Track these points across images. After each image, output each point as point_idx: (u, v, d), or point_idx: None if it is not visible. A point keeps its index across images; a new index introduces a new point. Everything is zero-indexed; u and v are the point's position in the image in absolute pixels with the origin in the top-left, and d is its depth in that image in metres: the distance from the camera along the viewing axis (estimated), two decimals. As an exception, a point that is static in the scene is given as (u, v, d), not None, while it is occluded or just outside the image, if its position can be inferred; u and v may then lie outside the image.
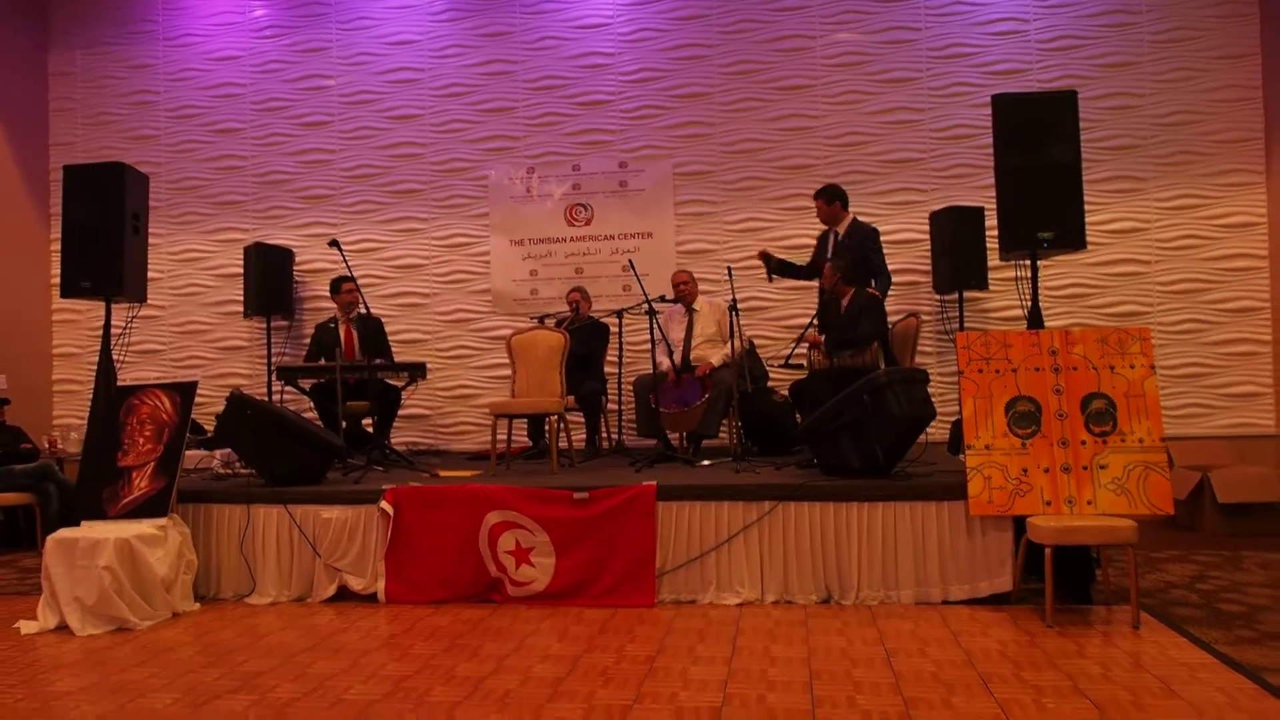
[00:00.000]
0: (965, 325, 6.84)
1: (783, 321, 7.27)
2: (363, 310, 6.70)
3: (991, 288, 6.80)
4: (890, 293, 6.33)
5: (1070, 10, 7.13)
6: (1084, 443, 4.39)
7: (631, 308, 6.66)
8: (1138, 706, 3.06)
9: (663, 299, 6.57)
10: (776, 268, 6.37)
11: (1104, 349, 4.53)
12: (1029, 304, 5.07)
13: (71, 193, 5.56)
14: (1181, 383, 6.88)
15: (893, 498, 4.54)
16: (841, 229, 6.21)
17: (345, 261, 6.35)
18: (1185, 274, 6.94)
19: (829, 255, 6.12)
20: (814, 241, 7.34)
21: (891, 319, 6.05)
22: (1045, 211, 4.89)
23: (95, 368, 5.67)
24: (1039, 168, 4.91)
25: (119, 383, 5.54)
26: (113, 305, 5.70)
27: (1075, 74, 7.03)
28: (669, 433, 6.28)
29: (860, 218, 7.31)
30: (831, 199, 6.22)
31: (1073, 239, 4.94)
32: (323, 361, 6.60)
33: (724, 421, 6.17)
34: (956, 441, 5.84)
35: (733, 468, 5.36)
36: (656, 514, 4.67)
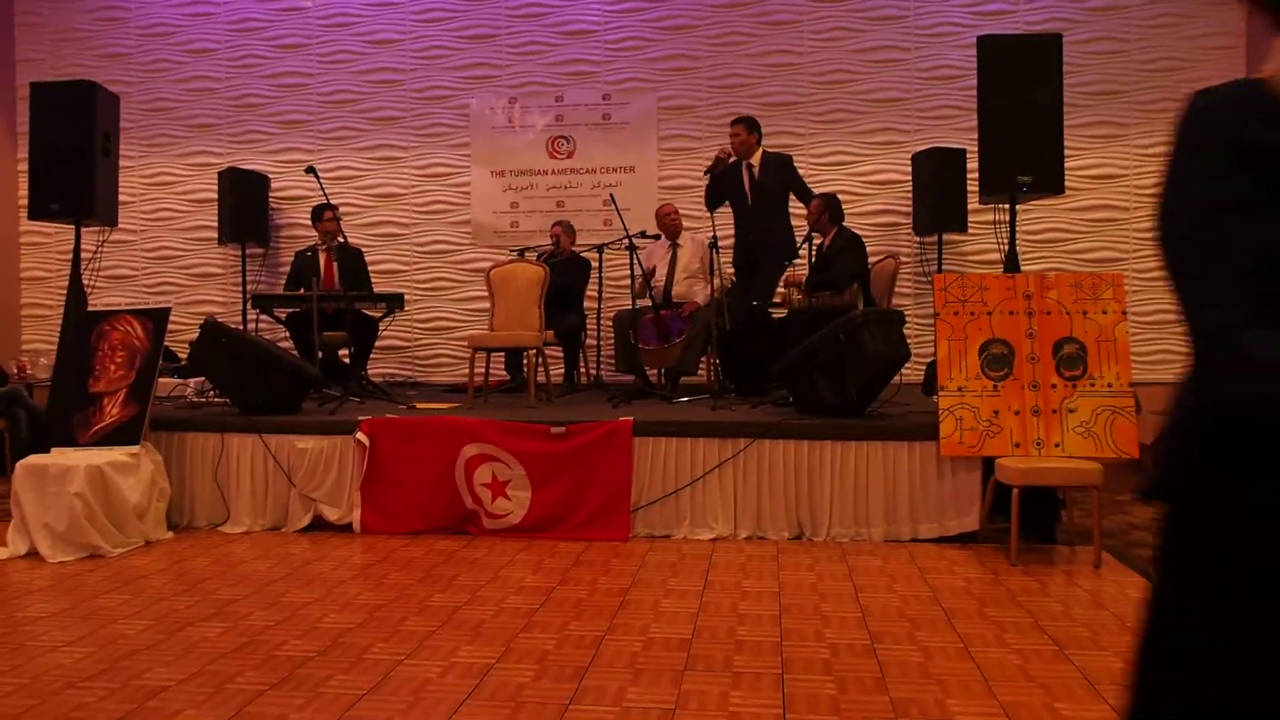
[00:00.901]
0: (944, 268, 6.85)
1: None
2: (341, 240, 6.62)
3: (971, 230, 6.80)
4: (871, 233, 6.33)
5: (1061, -50, 7.02)
6: (1054, 386, 4.45)
7: (612, 242, 6.62)
8: (1095, 643, 3.16)
9: (644, 234, 6.53)
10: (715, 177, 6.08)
11: (1078, 294, 4.56)
12: (1006, 248, 5.09)
13: (40, 112, 5.42)
14: (1153, 329, 6.95)
15: (866, 437, 4.60)
16: (756, 160, 6.03)
17: (323, 189, 6.24)
18: (1163, 222, 6.94)
19: (746, 187, 6.00)
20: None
21: (871, 259, 6.05)
22: (1025, 155, 4.90)
23: (65, 292, 5.58)
24: (1021, 111, 4.90)
25: (89, 308, 5.46)
26: (83, 228, 5.60)
27: (1062, 16, 6.94)
28: (647, 369, 6.29)
29: (843, 156, 7.26)
30: (752, 128, 6.04)
31: (1052, 184, 4.95)
32: (301, 290, 6.53)
33: (702, 359, 6.19)
34: (930, 383, 5.90)
35: (709, 404, 5.40)
36: (633, 449, 4.70)
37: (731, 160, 5.96)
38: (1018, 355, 4.51)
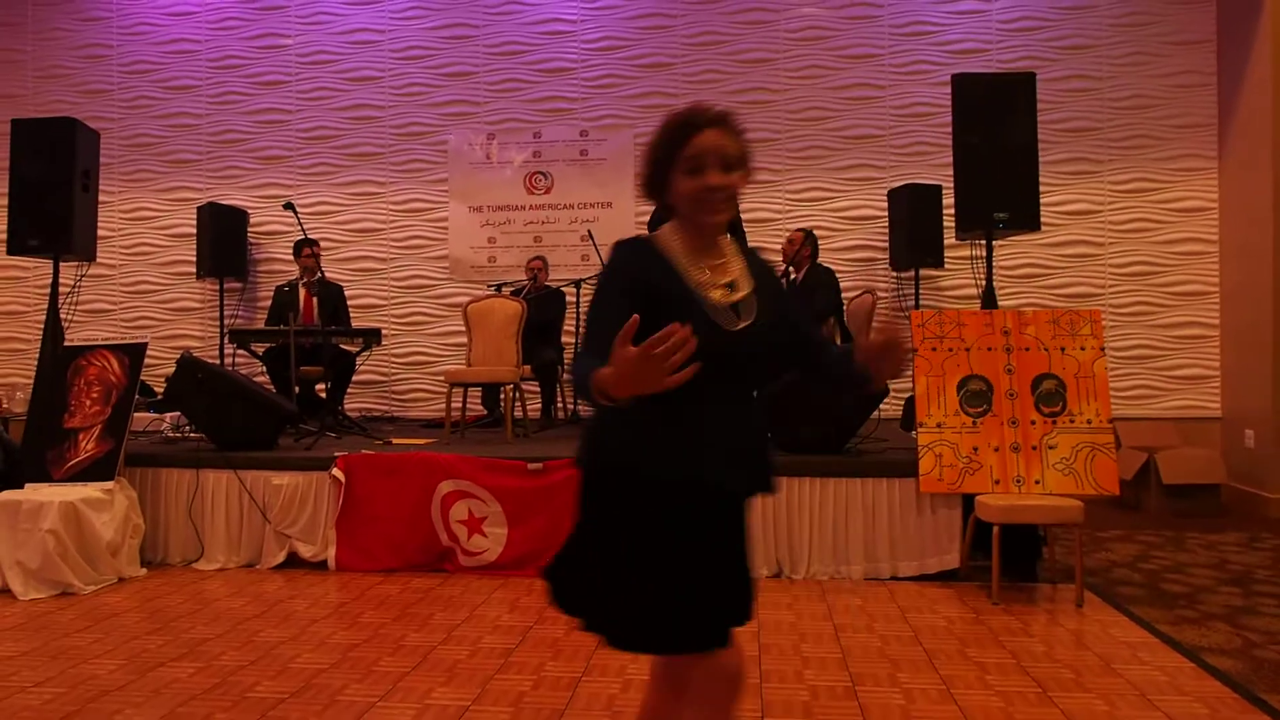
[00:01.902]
0: (920, 303, 6.90)
1: (742, 295, 7.28)
2: (321, 275, 6.61)
3: (947, 266, 6.86)
4: (847, 269, 6.37)
5: (1033, -9, 7.17)
6: (1034, 423, 4.47)
7: (590, 278, 6.63)
8: (1079, 685, 3.14)
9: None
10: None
11: (1055, 330, 4.60)
12: (984, 284, 5.13)
13: (20, 148, 5.41)
14: (1131, 364, 7.01)
15: (844, 474, 4.59)
16: None
17: (300, 224, 6.23)
18: (1137, 257, 7.05)
19: None
20: (774, 215, 7.37)
21: (847, 295, 6.09)
22: (1001, 192, 4.95)
23: (42, 326, 5.53)
24: (997, 148, 4.96)
25: (66, 342, 5.42)
26: (61, 263, 5.57)
27: (1035, 55, 7.07)
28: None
29: (819, 193, 7.34)
30: None
31: (1028, 220, 5.01)
32: (279, 325, 6.49)
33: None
34: (909, 418, 5.92)
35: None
36: (611, 486, 4.67)
37: None
38: (996, 391, 4.53)
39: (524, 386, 6.11)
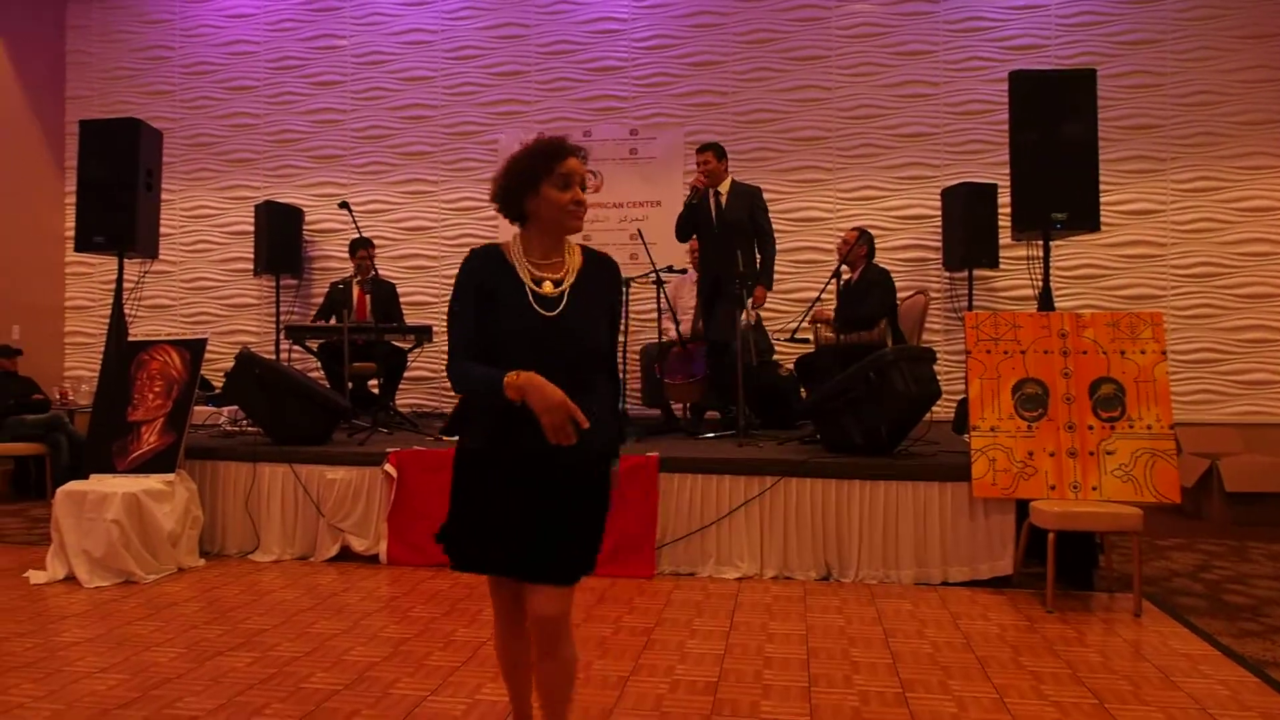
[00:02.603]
0: (974, 304, 6.80)
1: (790, 295, 7.24)
2: (374, 274, 6.71)
3: (1002, 266, 6.75)
4: (900, 269, 6.29)
5: (1094, -15, 7.01)
6: (1091, 428, 4.37)
7: (639, 277, 6.63)
8: (1138, 697, 3.07)
9: (670, 269, 6.54)
10: (688, 207, 5.81)
11: (1115, 333, 4.50)
12: (1040, 285, 5.03)
13: (87, 148, 5.57)
14: (1193, 368, 6.84)
15: (895, 477, 4.54)
16: (724, 189, 5.78)
17: (355, 223, 6.33)
18: (1201, 257, 6.87)
19: (713, 215, 5.74)
20: (825, 214, 7.31)
21: (900, 295, 6.01)
22: (1060, 191, 4.84)
23: (107, 321, 5.69)
24: (1055, 146, 4.85)
25: (130, 337, 5.56)
26: (125, 260, 5.72)
27: (1095, 51, 6.92)
28: (673, 403, 6.28)
29: (871, 191, 7.26)
30: (721, 155, 5.77)
31: (1087, 220, 4.89)
32: (332, 321, 6.60)
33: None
34: (961, 421, 5.84)
35: (735, 441, 5.36)
36: (659, 485, 4.68)
37: (701, 193, 5.72)
38: (1053, 395, 4.44)
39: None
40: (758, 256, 5.78)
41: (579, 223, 2.19)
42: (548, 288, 2.14)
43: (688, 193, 5.79)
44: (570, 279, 2.16)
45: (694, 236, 5.96)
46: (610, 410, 2.24)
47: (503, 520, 2.14)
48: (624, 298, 6.79)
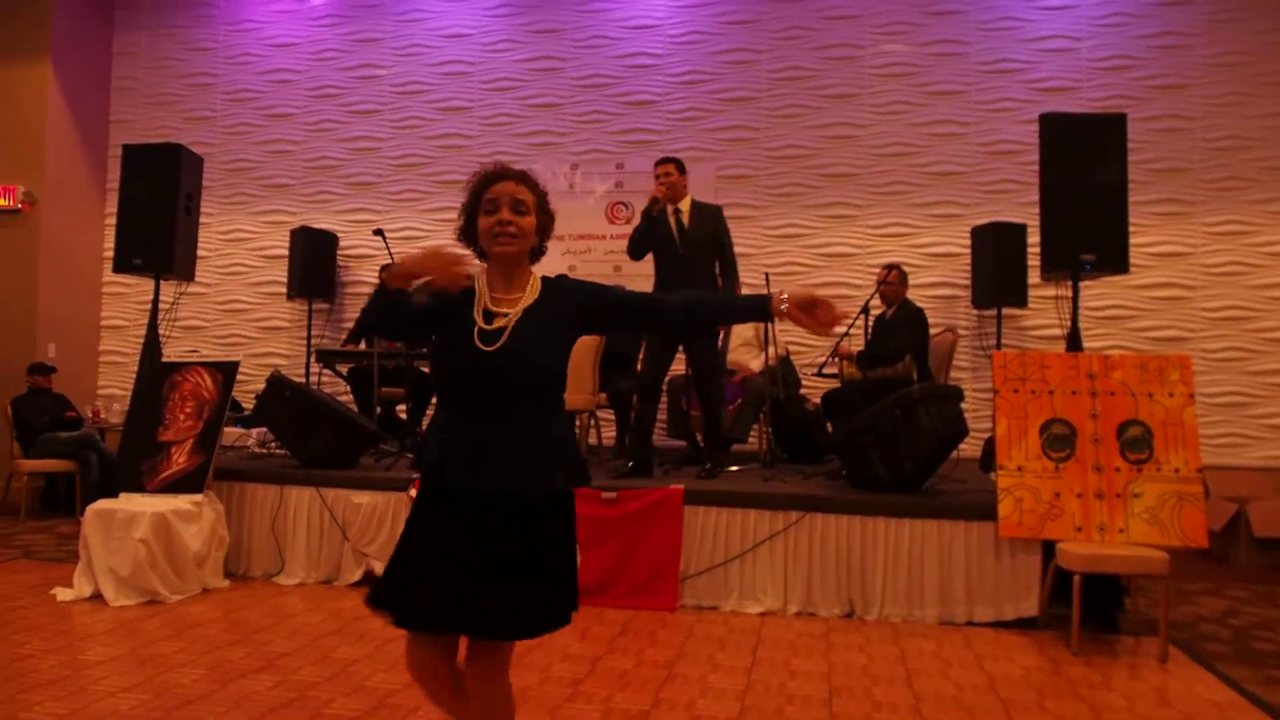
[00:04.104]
0: (1003, 342, 6.78)
1: (818, 330, 7.24)
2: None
3: (1031, 305, 6.73)
4: (928, 306, 6.28)
5: (1123, 30, 7.03)
6: (1118, 469, 4.34)
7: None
8: (1159, 742, 3.03)
9: (699, 302, 6.56)
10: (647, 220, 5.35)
11: (1143, 375, 4.47)
12: (1069, 325, 5.02)
13: (130, 171, 5.71)
14: (1222, 411, 6.76)
15: (921, 515, 4.52)
16: (685, 206, 5.37)
17: (389, 250, 6.41)
18: (1230, 300, 6.82)
19: (675, 235, 5.31)
20: (854, 250, 7.33)
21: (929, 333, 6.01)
22: (1089, 232, 4.85)
23: (141, 341, 5.79)
24: (1085, 188, 4.86)
25: (163, 358, 5.66)
26: (161, 281, 5.82)
27: (1126, 94, 6.93)
28: (698, 435, 6.28)
29: (900, 228, 7.28)
30: (682, 170, 5.39)
31: (1116, 262, 4.89)
32: (361, 346, 6.68)
33: (753, 426, 6.17)
34: (988, 459, 5.80)
35: (761, 475, 5.36)
36: (683, 518, 4.68)
37: (661, 206, 5.31)
38: (1080, 436, 4.42)
39: (599, 414, 6.16)
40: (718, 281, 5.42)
41: (504, 247, 2.07)
42: (498, 322, 2.04)
43: (648, 203, 5.31)
44: (515, 315, 2.05)
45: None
46: (564, 441, 2.10)
47: (456, 568, 1.97)
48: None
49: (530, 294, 2.10)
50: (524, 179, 2.13)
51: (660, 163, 5.40)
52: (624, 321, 2.33)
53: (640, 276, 6.25)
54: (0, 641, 3.81)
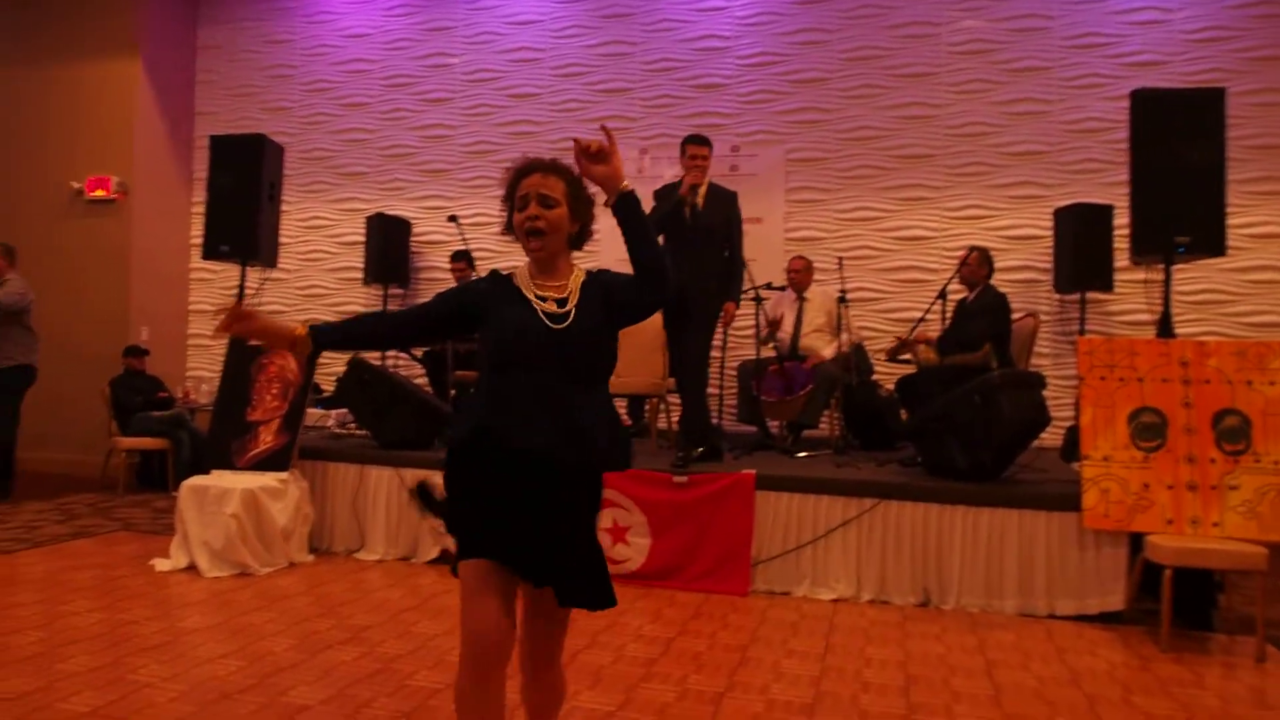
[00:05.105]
0: (1086, 328, 6.57)
1: (892, 314, 7.13)
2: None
3: (1117, 289, 6.51)
4: (1008, 290, 6.12)
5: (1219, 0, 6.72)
6: (1213, 460, 4.18)
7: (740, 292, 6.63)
8: (1256, 742, 2.93)
9: (769, 286, 6.52)
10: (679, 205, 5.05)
11: (1241, 363, 4.29)
12: (1159, 310, 4.84)
13: (217, 161, 5.88)
14: (1322, 401, 6.45)
15: (1001, 504, 4.42)
16: (702, 189, 5.09)
17: (462, 236, 6.51)
18: (1335, 285, 6.50)
19: (687, 216, 5.03)
20: (930, 233, 7.19)
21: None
22: (1183, 214, 4.64)
23: (228, 326, 5.96)
24: (1178, 168, 4.65)
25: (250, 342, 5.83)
26: (246, 268, 6.00)
27: (1222, 67, 6.63)
28: (769, 421, 6.25)
29: (979, 210, 7.10)
30: (711, 150, 5.13)
31: (1211, 244, 4.69)
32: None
33: (825, 412, 6.10)
34: (1070, 448, 5.64)
35: (834, 461, 5.30)
36: (754, 503, 4.66)
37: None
38: (1172, 425, 4.26)
39: (669, 398, 6.16)
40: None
41: (534, 243, 2.12)
42: (551, 306, 2.10)
43: (686, 190, 5.03)
44: (575, 296, 2.12)
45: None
46: (614, 422, 2.16)
47: (519, 518, 2.04)
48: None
49: (576, 281, 2.16)
50: (553, 169, 2.15)
51: (695, 143, 5.10)
52: (630, 310, 2.19)
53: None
54: (107, 608, 4.01)
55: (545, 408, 2.04)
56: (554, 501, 2.06)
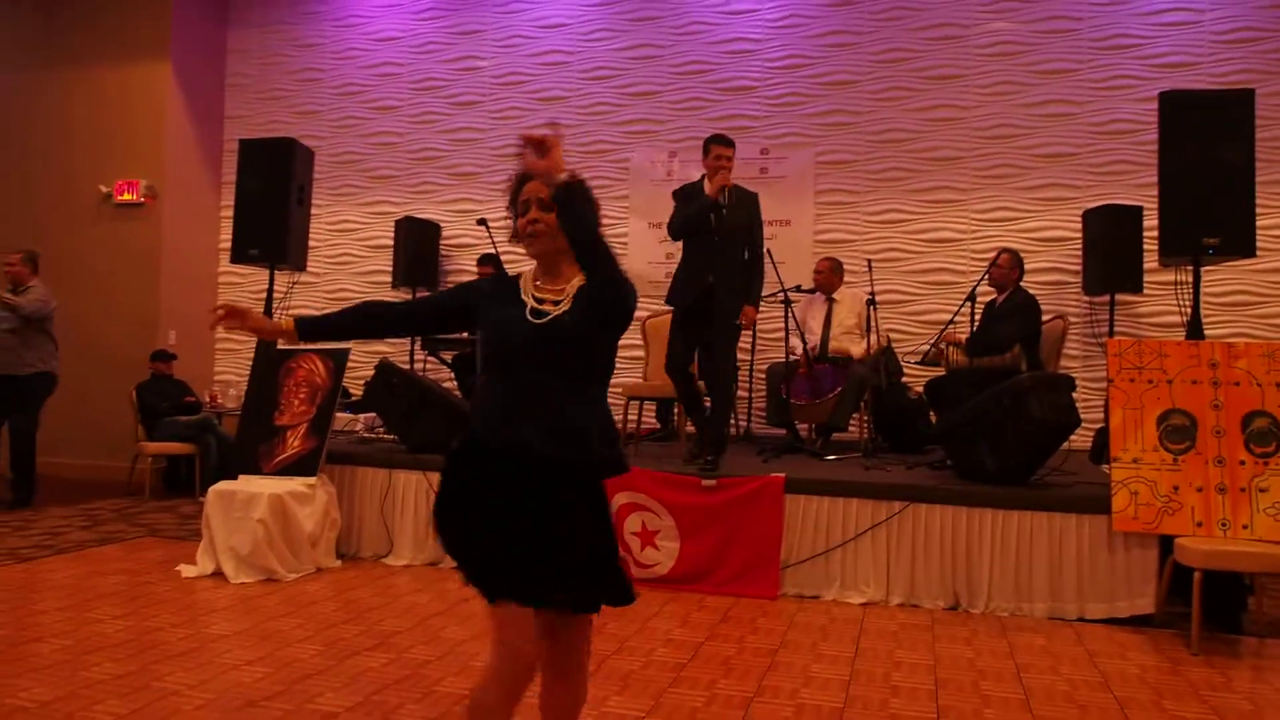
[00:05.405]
0: (1115, 330, 6.51)
1: (921, 316, 7.10)
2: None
3: (1146, 291, 6.44)
4: (1037, 292, 6.08)
5: (1248, 1, 6.63)
6: (1243, 463, 4.14)
7: (766, 296, 6.63)
8: (1291, 749, 2.90)
9: (799, 288, 6.51)
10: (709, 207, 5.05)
11: (1271, 364, 4.25)
12: (1189, 312, 4.79)
13: (246, 165, 5.92)
14: (1358, 404, 6.36)
15: (1029, 507, 4.40)
16: (729, 187, 5.12)
17: (492, 239, 6.55)
18: (1369, 286, 6.40)
19: (713, 220, 5.05)
20: (959, 235, 7.16)
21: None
22: (1212, 215, 4.60)
23: (256, 330, 6.02)
24: (1207, 169, 4.61)
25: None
26: (275, 271, 6.05)
27: (1252, 69, 6.55)
28: (798, 423, 6.24)
29: (1007, 212, 7.06)
30: (734, 149, 5.17)
31: (1241, 246, 4.64)
32: (464, 334, 6.84)
33: (854, 415, 6.09)
34: (1099, 450, 5.60)
35: (862, 464, 5.29)
36: (784, 506, 4.67)
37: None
38: (1201, 427, 4.23)
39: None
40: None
41: (531, 244, 2.17)
42: (548, 308, 2.14)
43: (713, 191, 5.02)
44: (567, 300, 2.15)
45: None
46: (607, 425, 2.22)
47: (518, 530, 2.06)
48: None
49: (574, 285, 2.18)
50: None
51: (720, 143, 5.11)
52: (600, 307, 2.17)
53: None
54: (133, 614, 4.05)
55: (531, 406, 2.08)
56: (551, 502, 2.08)
